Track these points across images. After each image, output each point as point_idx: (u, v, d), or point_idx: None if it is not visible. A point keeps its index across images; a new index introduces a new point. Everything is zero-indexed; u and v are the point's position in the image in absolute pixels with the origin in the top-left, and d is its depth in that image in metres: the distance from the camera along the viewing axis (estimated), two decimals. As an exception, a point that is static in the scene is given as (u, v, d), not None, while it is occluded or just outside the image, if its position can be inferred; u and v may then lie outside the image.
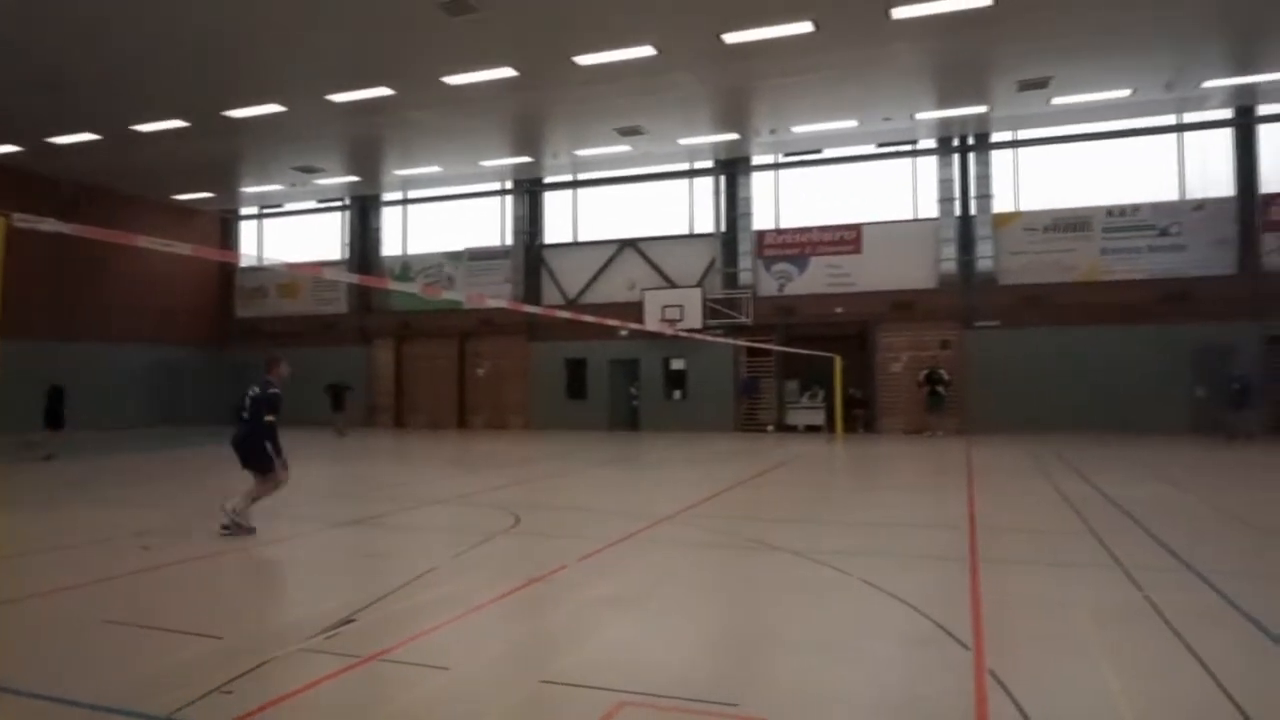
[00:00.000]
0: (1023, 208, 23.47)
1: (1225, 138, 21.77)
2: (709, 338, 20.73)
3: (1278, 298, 20.66)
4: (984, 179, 23.46)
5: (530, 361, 27.75)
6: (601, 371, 26.80)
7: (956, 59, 17.75)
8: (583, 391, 27.02)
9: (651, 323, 23.82)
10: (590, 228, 27.92)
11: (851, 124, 21.94)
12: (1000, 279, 23.25)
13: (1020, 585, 6.30)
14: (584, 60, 16.97)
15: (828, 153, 24.92)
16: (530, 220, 28.18)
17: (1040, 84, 18.98)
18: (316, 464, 16.07)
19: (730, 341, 23.67)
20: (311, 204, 31.37)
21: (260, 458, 8.38)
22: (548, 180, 27.93)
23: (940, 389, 22.50)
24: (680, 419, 25.47)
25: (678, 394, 26.05)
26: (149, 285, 28.94)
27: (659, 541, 8.16)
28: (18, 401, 19.17)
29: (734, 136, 23.20)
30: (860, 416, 24.11)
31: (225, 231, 32.52)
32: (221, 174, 26.74)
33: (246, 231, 32.83)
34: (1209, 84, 19.27)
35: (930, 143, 23.93)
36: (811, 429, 24.43)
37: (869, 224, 24.55)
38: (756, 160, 25.58)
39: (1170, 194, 22.24)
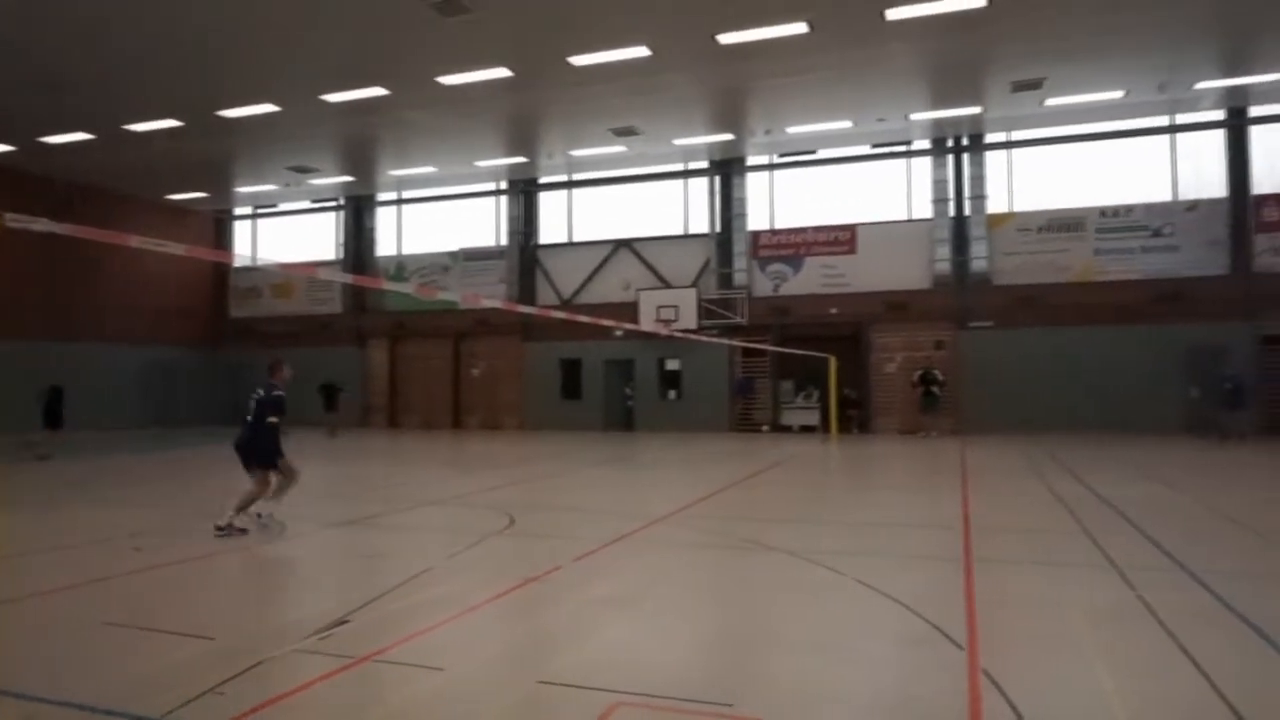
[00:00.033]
0: (1017, 208, 23.53)
1: (1218, 139, 21.86)
2: (704, 338, 20.74)
3: (1270, 298, 20.76)
4: (978, 180, 23.52)
5: (525, 362, 27.73)
6: (596, 372, 26.79)
7: (951, 60, 17.79)
8: (578, 392, 27.01)
9: (646, 323, 23.81)
10: (585, 228, 27.91)
11: (846, 125, 21.98)
12: (994, 279, 23.32)
13: (1014, 585, 6.32)
14: (579, 61, 16.96)
15: (822, 153, 24.96)
16: (525, 220, 28.16)
17: (1034, 85, 19.04)
18: (311, 465, 15.94)
19: (725, 342, 23.69)
20: (306, 204, 31.30)
21: (264, 458, 8.46)
22: (543, 180, 27.91)
23: (935, 389, 22.54)
24: (675, 419, 25.48)
25: (673, 394, 26.05)
26: (143, 285, 28.85)
27: (654, 542, 8.16)
28: (11, 402, 19.11)
29: (729, 137, 23.23)
30: (855, 417, 24.15)
31: (219, 231, 32.43)
32: (216, 174, 26.68)
33: (241, 231, 32.76)
34: (1201, 85, 19.35)
35: (925, 143, 23.99)
36: (806, 429, 24.46)
37: (864, 224, 24.60)
38: (751, 161, 25.61)
39: (1163, 195, 22.33)
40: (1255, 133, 21.56)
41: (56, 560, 7.48)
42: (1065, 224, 22.84)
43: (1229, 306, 20.95)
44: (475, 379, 28.60)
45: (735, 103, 20.67)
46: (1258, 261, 21.18)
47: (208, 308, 32.00)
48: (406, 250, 30.11)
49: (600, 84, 18.34)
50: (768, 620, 5.62)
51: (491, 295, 26.46)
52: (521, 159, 25.27)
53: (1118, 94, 19.67)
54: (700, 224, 26.39)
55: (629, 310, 24.64)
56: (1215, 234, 21.60)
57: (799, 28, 15.48)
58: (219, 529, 8.17)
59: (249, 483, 8.49)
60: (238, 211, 32.36)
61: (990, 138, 23.58)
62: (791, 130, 22.48)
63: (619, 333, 24.16)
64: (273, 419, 8.43)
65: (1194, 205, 21.90)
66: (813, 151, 24.96)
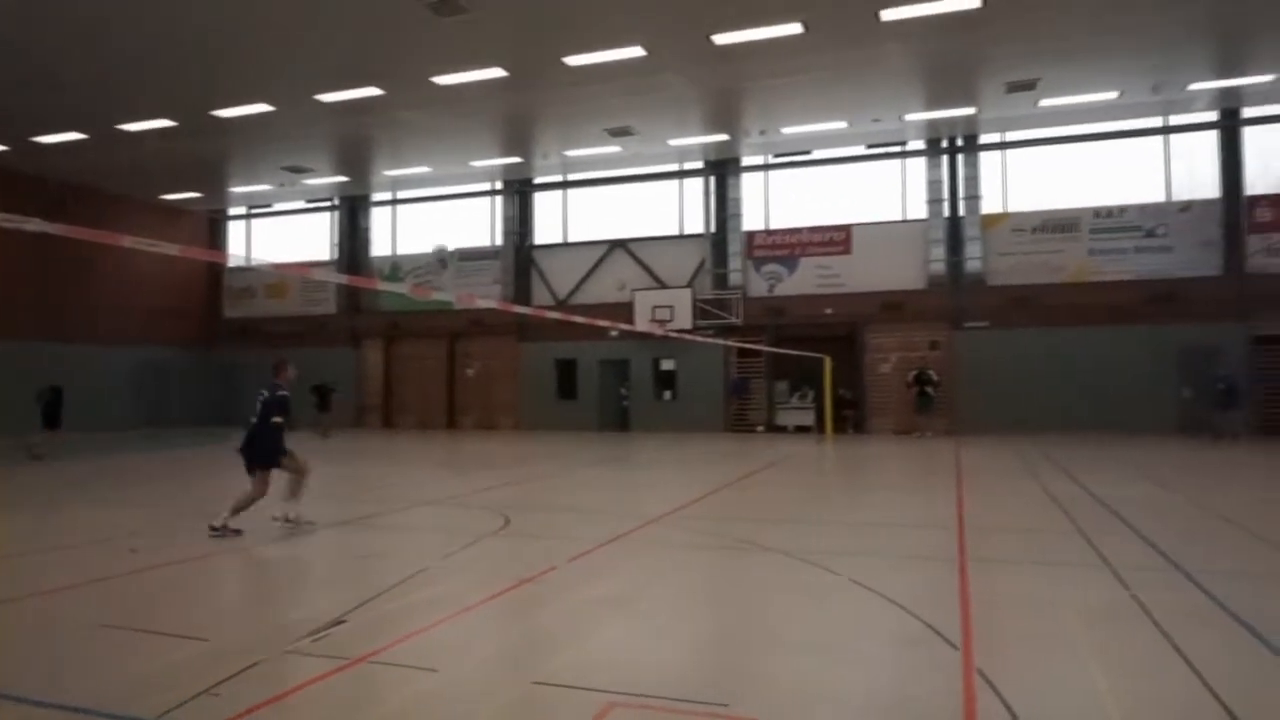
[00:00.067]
0: (1011, 209, 23.59)
1: (1211, 140, 21.94)
2: (699, 338, 20.74)
3: (1263, 299, 20.84)
4: (972, 180, 23.56)
5: (520, 362, 27.71)
6: (591, 372, 26.78)
7: (945, 61, 17.83)
8: (573, 392, 27.00)
9: (641, 323, 23.80)
10: (580, 228, 27.90)
11: (841, 125, 22.01)
12: (989, 280, 23.37)
13: (1009, 585, 6.33)
14: (574, 61, 16.95)
15: (817, 154, 24.99)
16: (520, 221, 28.14)
17: (1028, 86, 19.08)
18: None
19: (720, 342, 23.70)
20: (300, 204, 31.22)
21: (265, 458, 8.48)
22: (538, 181, 27.90)
23: (929, 390, 22.58)
24: (670, 419, 25.48)
25: (668, 394, 26.05)
26: (136, 285, 28.76)
27: (649, 542, 8.16)
28: (5, 402, 19.03)
29: (724, 137, 23.24)
30: (850, 417, 24.17)
31: (213, 231, 32.33)
32: (210, 174, 26.60)
33: (235, 231, 32.65)
34: (1195, 86, 19.42)
35: (919, 144, 24.02)
36: (801, 429, 24.48)
37: (858, 225, 24.63)
38: (746, 161, 25.63)
39: (1157, 195, 22.41)
40: (1248, 134, 21.65)
41: (56, 560, 7.48)
42: (1059, 224, 22.91)
43: (1222, 307, 21.03)
44: (470, 379, 28.56)
45: (730, 103, 20.68)
46: (1251, 262, 21.26)
47: (201, 308, 31.90)
48: (401, 250, 30.06)
49: (595, 84, 18.33)
50: (763, 620, 5.62)
51: (486, 295, 26.41)
52: (516, 159, 25.25)
53: (1112, 95, 19.72)
54: (695, 224, 26.40)
55: (624, 310, 24.64)
56: (1209, 235, 21.67)
57: (794, 28, 15.49)
58: (214, 529, 8.16)
59: (249, 484, 8.49)
60: (232, 211, 32.25)
61: (985, 138, 23.63)
62: (786, 131, 22.51)
63: (614, 333, 24.16)
64: (277, 419, 8.45)
65: (1188, 206, 21.98)
66: (808, 152, 24.99)
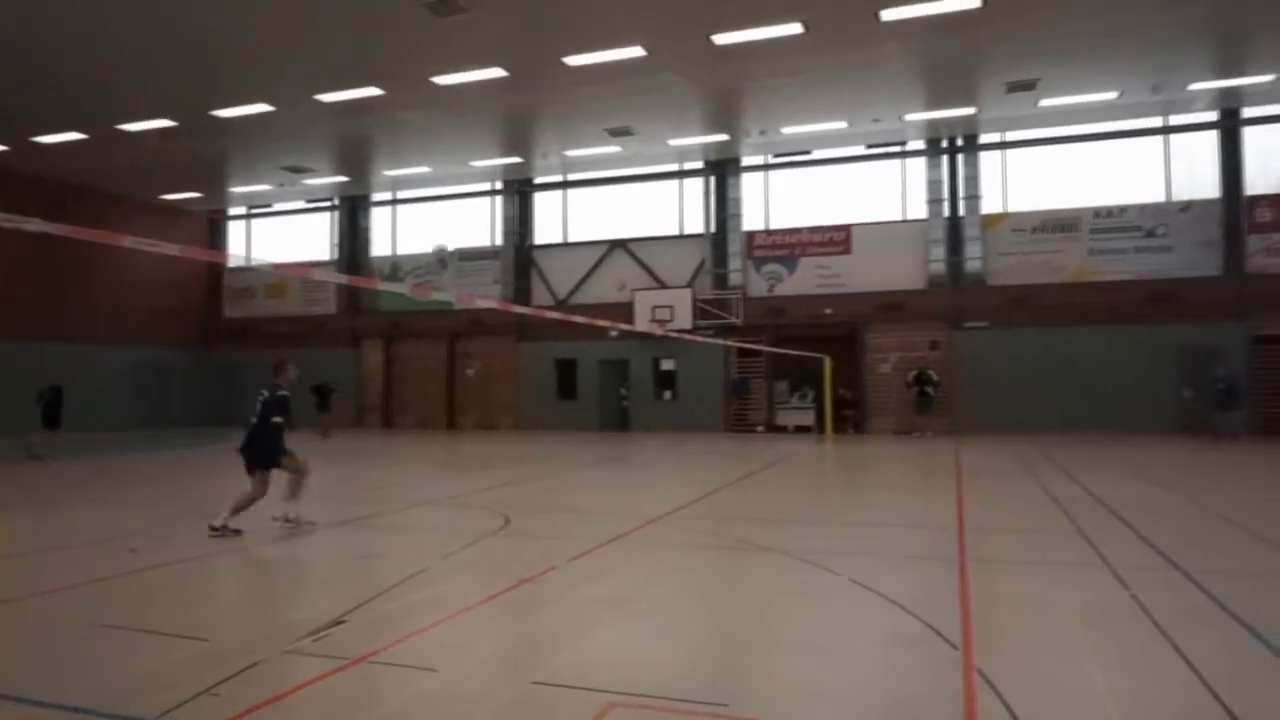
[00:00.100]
0: (1011, 209, 23.60)
1: (1211, 140, 21.94)
2: (699, 338, 20.73)
3: (1263, 299, 20.84)
4: (972, 180, 23.56)
5: (520, 362, 27.71)
6: (591, 372, 26.78)
7: (945, 61, 17.83)
8: (573, 392, 27.00)
9: (641, 323, 23.80)
10: (580, 228, 27.90)
11: (841, 125, 22.01)
12: (989, 280, 23.37)
13: (1008, 585, 6.33)
14: (574, 61, 16.95)
15: (817, 154, 24.99)
16: (520, 221, 28.14)
17: (1028, 86, 19.09)
18: (305, 465, 15.98)
19: (720, 342, 23.70)
20: (300, 204, 31.22)
21: (265, 458, 8.48)
22: (538, 181, 27.90)
23: (929, 390, 22.58)
24: (670, 419, 25.48)
25: (668, 394, 26.05)
26: (136, 285, 28.77)
27: (649, 542, 8.16)
28: (5, 402, 19.03)
29: (724, 137, 23.24)
30: (850, 417, 24.17)
31: (213, 232, 32.34)
32: (210, 174, 26.60)
33: (235, 231, 32.65)
34: (1195, 86, 19.42)
35: (919, 144, 24.02)
36: (801, 429, 24.49)
37: (858, 225, 24.63)
38: (746, 161, 25.64)
39: (1157, 195, 22.41)
40: (1248, 134, 21.65)
41: (56, 560, 7.48)
42: (1059, 224, 22.91)
43: (1222, 307, 21.03)
44: (470, 379, 28.56)
45: (730, 103, 20.68)
46: (1250, 262, 21.26)
47: (201, 308, 31.90)
48: (401, 250, 30.06)
49: (595, 84, 18.34)
50: (763, 620, 5.62)
51: (486, 295, 26.41)
52: (516, 159, 25.25)
53: (1112, 95, 19.72)
54: (695, 224, 26.40)
55: (624, 310, 24.64)
56: (1208, 235, 21.68)
57: (794, 28, 15.49)
58: (213, 530, 8.16)
59: (249, 484, 8.49)
60: (232, 211, 32.25)
61: (985, 138, 23.63)
62: (786, 131, 22.51)
63: (614, 333, 24.16)
64: (277, 419, 8.45)
65: (1187, 206, 21.98)
66: (808, 152, 24.99)
